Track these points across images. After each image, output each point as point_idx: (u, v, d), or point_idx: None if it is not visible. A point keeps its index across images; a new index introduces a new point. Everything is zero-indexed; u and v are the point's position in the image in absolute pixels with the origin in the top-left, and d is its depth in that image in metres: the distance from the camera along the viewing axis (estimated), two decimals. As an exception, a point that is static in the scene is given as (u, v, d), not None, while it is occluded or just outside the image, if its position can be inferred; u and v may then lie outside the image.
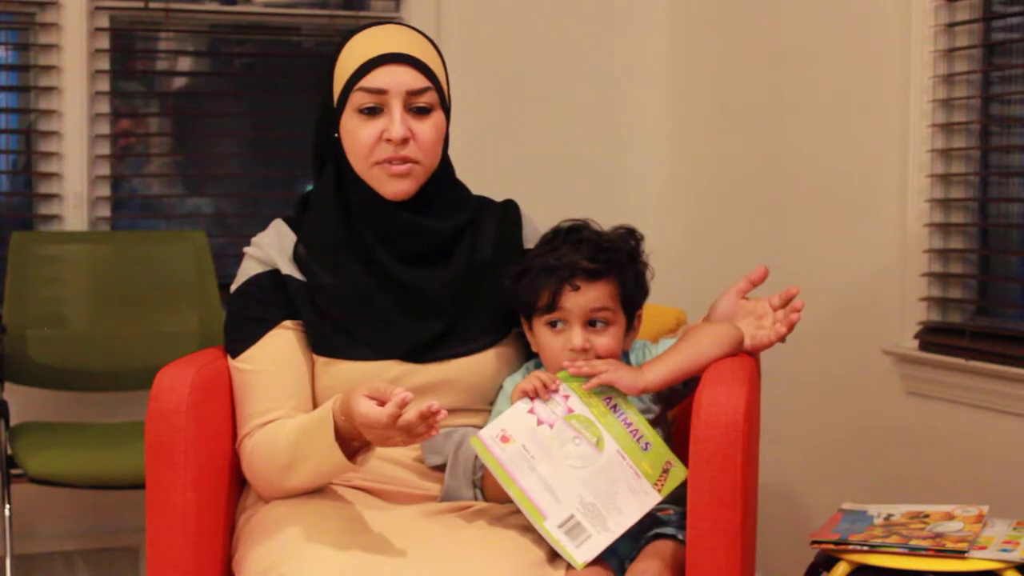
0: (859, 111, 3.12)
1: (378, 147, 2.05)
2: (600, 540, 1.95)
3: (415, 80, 2.05)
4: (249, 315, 2.10)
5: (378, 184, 2.07)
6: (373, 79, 2.04)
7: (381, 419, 1.83)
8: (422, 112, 2.06)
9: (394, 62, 2.04)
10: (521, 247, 2.19)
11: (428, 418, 1.84)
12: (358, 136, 2.06)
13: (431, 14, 3.61)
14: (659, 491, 2.00)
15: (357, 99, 2.05)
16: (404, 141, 2.03)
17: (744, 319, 2.17)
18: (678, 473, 2.01)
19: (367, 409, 1.84)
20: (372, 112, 2.05)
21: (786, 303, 2.17)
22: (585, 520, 1.96)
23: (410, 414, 1.83)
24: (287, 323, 2.09)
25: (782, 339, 2.16)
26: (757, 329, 2.16)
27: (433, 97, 2.07)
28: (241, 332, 2.10)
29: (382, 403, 1.84)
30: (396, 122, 2.03)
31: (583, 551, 1.94)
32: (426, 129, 2.06)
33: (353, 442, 1.95)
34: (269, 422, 2.04)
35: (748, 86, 3.50)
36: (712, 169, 3.65)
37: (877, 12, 3.06)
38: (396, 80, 2.04)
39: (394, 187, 2.06)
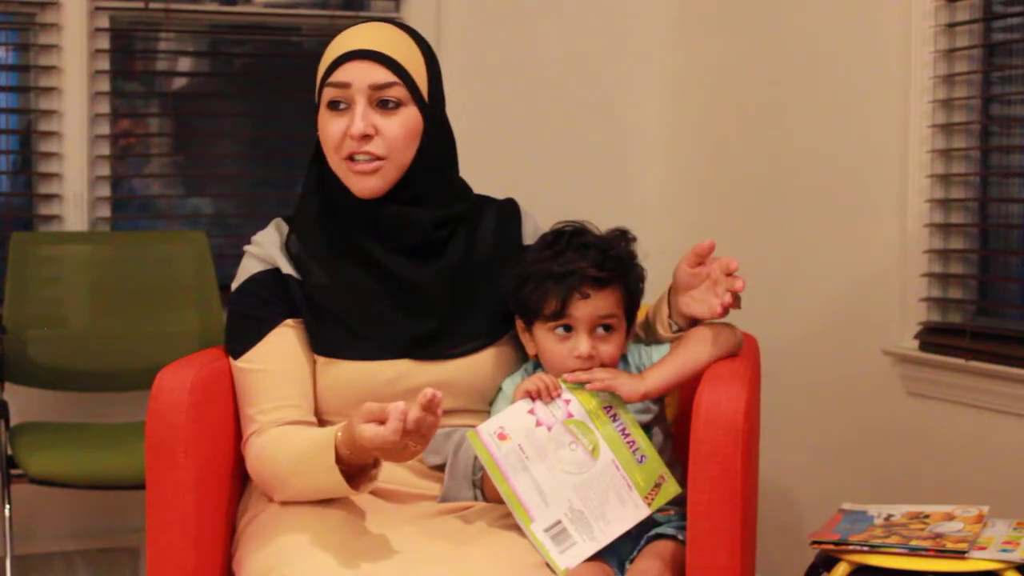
0: (859, 111, 3.11)
1: (344, 143, 2.05)
2: (585, 548, 1.95)
3: (379, 75, 2.04)
4: (250, 314, 2.10)
5: (347, 180, 2.07)
6: (338, 74, 2.05)
7: (391, 437, 1.82)
8: (389, 107, 2.05)
9: (359, 58, 2.04)
10: (520, 244, 2.19)
11: (431, 407, 1.82)
12: (326, 131, 2.07)
13: (431, 14, 3.61)
14: (649, 505, 2.00)
15: (326, 95, 2.06)
16: (365, 137, 2.03)
17: (700, 286, 2.10)
18: (670, 489, 2.01)
19: (373, 433, 1.84)
20: (338, 107, 2.05)
21: (729, 273, 2.09)
22: (572, 527, 1.96)
23: (414, 413, 1.82)
24: (289, 322, 2.09)
25: (724, 312, 2.07)
26: (712, 296, 2.09)
27: (401, 92, 2.05)
28: (243, 332, 2.10)
29: (382, 422, 1.84)
30: (357, 117, 2.03)
31: (566, 557, 1.94)
32: (392, 125, 2.05)
33: (353, 467, 1.95)
34: (275, 421, 2.04)
35: (748, 86, 3.50)
36: (712, 169, 3.65)
37: (877, 12, 3.06)
38: (359, 75, 2.04)
39: (360, 184, 2.06)
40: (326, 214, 2.12)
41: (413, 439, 1.84)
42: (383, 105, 2.05)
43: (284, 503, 2.04)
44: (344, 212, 2.10)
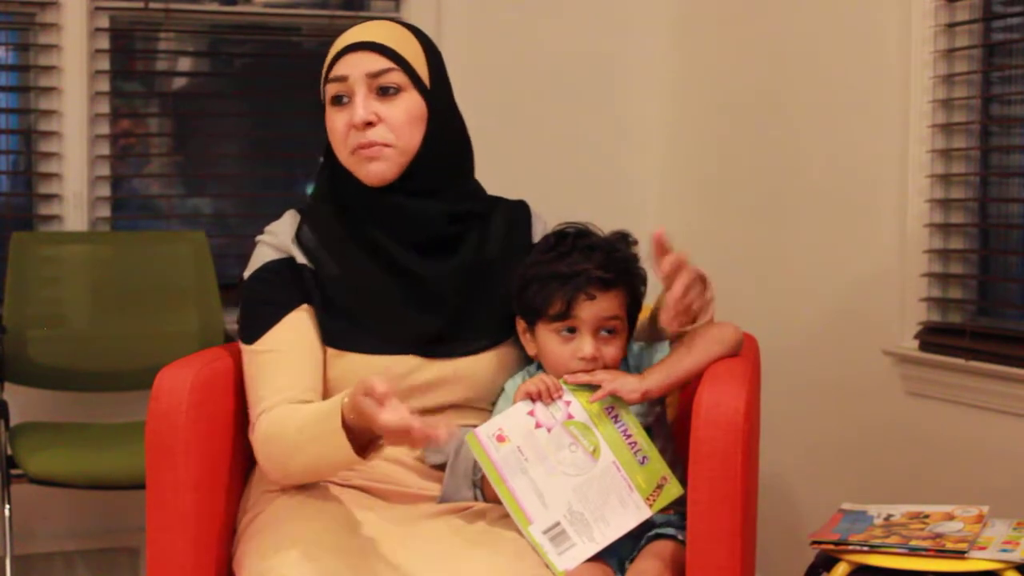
0: (859, 111, 3.11)
1: (349, 135, 2.06)
2: (584, 549, 1.95)
3: (374, 63, 2.06)
4: (266, 300, 2.10)
5: (357, 171, 2.09)
6: (337, 69, 2.07)
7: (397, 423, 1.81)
8: (389, 93, 2.06)
9: (354, 50, 2.07)
10: (530, 246, 2.19)
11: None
12: (333, 126, 2.09)
13: (431, 14, 3.61)
14: (650, 506, 1.99)
15: (329, 91, 2.09)
16: (368, 124, 2.05)
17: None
18: (672, 490, 2.01)
19: (382, 420, 1.82)
20: (340, 101, 2.07)
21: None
22: (571, 528, 1.96)
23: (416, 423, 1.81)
24: (304, 306, 2.09)
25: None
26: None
27: (399, 77, 2.06)
28: (258, 317, 2.09)
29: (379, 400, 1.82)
30: (357, 106, 2.05)
31: (565, 559, 1.94)
32: (394, 110, 2.06)
33: (361, 437, 1.94)
34: (285, 400, 2.03)
35: (748, 86, 3.50)
36: (712, 169, 3.65)
37: (877, 12, 3.06)
38: (355, 66, 2.06)
39: (368, 170, 2.07)
40: (339, 209, 2.12)
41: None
42: (383, 92, 2.06)
43: (289, 490, 2.04)
44: (357, 207, 2.10)
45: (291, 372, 2.05)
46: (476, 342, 2.11)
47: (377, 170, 2.07)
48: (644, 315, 2.20)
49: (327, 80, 2.09)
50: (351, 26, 2.14)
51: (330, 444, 1.93)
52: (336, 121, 2.08)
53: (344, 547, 1.90)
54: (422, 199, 2.09)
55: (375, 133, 2.05)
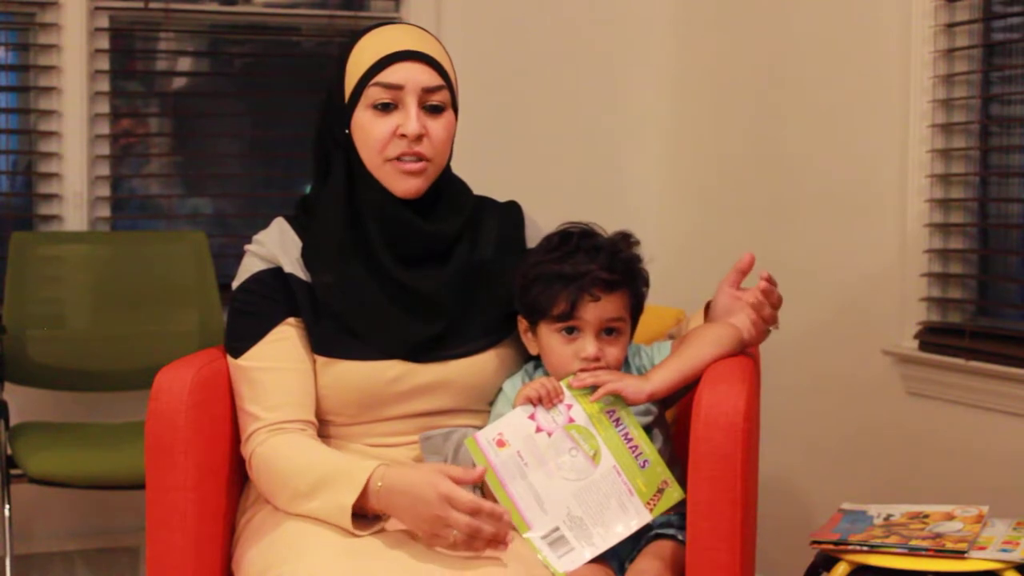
0: (859, 112, 3.12)
1: (391, 143, 2.05)
2: (583, 554, 1.95)
3: (430, 78, 2.05)
4: (252, 312, 2.09)
5: (389, 181, 2.07)
6: (390, 74, 2.04)
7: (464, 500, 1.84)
8: (435, 111, 2.06)
9: (410, 59, 2.05)
10: (523, 248, 2.19)
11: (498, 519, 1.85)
12: (371, 132, 2.05)
13: (431, 14, 3.61)
14: (651, 510, 1.99)
15: (372, 94, 2.05)
16: (418, 138, 2.04)
17: (740, 312, 2.12)
18: (673, 494, 2.00)
19: (450, 489, 1.85)
20: (386, 108, 2.05)
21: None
22: (570, 533, 1.96)
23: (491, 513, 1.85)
24: (290, 320, 2.08)
25: (771, 325, 2.11)
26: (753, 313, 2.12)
27: (446, 96, 2.07)
28: (244, 330, 2.09)
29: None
30: (412, 118, 2.03)
31: (564, 563, 1.94)
32: (439, 127, 2.06)
33: (368, 512, 1.94)
34: (277, 423, 2.03)
35: (748, 87, 3.51)
36: (712, 169, 3.65)
37: (877, 13, 3.06)
38: (412, 76, 2.04)
39: (405, 184, 2.06)
40: (347, 215, 2.09)
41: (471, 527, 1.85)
42: (429, 108, 2.06)
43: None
44: (368, 215, 2.08)
45: (280, 389, 2.05)
46: (471, 344, 2.10)
47: (415, 185, 2.06)
48: (672, 324, 2.20)
49: (373, 82, 2.05)
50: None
51: (331, 511, 1.93)
52: (378, 126, 2.05)
53: (343, 547, 1.90)
54: (431, 216, 2.09)
55: (421, 146, 2.05)
